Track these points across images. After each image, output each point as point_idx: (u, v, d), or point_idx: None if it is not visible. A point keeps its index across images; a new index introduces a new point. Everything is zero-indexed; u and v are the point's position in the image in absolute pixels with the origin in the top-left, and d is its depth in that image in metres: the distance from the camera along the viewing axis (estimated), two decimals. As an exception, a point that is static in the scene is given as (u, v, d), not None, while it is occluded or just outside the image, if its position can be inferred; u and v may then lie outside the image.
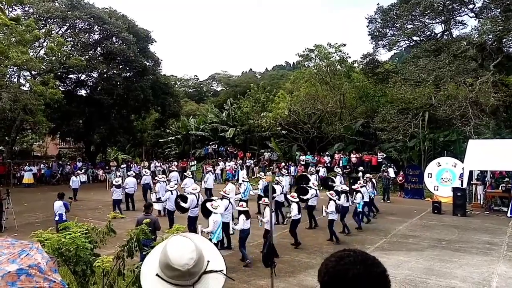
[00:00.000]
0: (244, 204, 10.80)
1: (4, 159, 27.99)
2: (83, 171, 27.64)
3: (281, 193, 15.04)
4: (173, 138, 39.42)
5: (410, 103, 22.77)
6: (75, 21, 29.02)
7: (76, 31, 29.83)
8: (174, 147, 39.78)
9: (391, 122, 22.74)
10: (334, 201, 12.00)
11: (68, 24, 29.40)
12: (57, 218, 11.40)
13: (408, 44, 29.35)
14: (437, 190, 19.32)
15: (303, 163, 25.65)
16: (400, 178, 21.16)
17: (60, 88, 26.07)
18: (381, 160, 23.50)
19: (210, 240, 8.55)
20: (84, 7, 29.43)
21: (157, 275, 1.67)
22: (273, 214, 11.28)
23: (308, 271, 8.95)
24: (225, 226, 10.56)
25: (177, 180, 18.54)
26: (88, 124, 31.87)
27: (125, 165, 27.85)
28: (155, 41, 34.44)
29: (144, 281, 1.74)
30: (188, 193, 12.62)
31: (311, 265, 9.38)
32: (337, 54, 29.24)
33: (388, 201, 19.34)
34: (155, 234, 8.19)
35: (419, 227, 13.80)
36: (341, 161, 24.78)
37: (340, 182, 17.43)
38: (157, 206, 14.83)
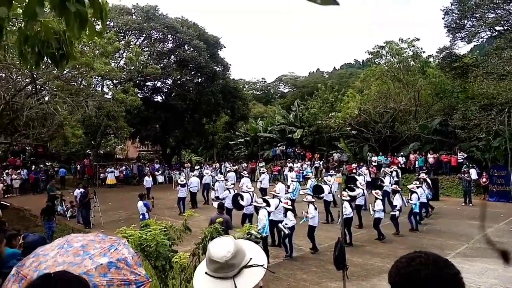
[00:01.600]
0: (289, 202, 11.51)
1: (91, 162, 30.60)
2: (160, 172, 29.34)
3: (329, 193, 15.37)
4: (242, 140, 40.26)
5: (493, 99, 20.95)
6: (151, 31, 30.96)
7: (152, 41, 31.79)
8: (243, 148, 40.61)
9: (472, 119, 21.10)
10: (381, 200, 12.18)
11: (144, 35, 31.44)
12: (141, 217, 12.24)
13: (490, 35, 27.01)
14: (528, 192, 17.61)
15: (375, 164, 24.73)
16: (484, 179, 19.57)
17: (138, 95, 27.84)
18: (461, 160, 21.90)
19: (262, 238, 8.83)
20: (159, 18, 31.30)
21: (205, 273, 1.85)
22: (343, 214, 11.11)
23: (382, 275, 8.63)
24: (275, 224, 10.91)
25: (234, 180, 19.81)
26: (164, 128, 33.71)
27: (198, 167, 29.03)
28: (224, 47, 35.56)
29: (195, 278, 1.93)
30: (243, 192, 13.48)
31: (385, 269, 9.03)
32: (410, 49, 27.87)
33: (470, 205, 18.00)
34: (227, 233, 8.44)
35: (506, 232, 12.65)
36: (417, 162, 23.54)
37: (390, 183, 16.84)
38: (215, 205, 15.52)
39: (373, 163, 24.89)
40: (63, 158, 34.51)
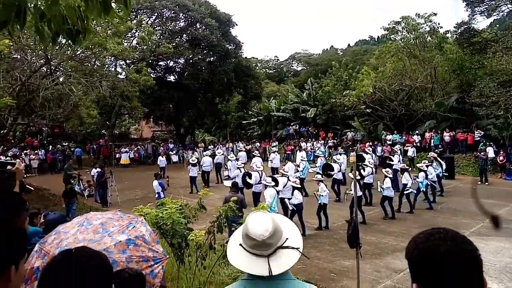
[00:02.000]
0: (298, 181, 11.65)
1: (107, 142, 31.02)
2: (174, 152, 29.63)
3: (338, 171, 15.46)
4: (255, 119, 40.19)
5: (513, 75, 20.40)
6: (162, 10, 30.73)
7: (164, 20, 31.56)
8: (256, 128, 40.58)
9: (491, 96, 20.58)
10: (390, 178, 12.17)
11: (156, 14, 31.22)
12: (156, 196, 12.47)
13: (511, 8, 26.03)
14: (546, 171, 17.29)
15: (390, 142, 24.49)
16: (501, 158, 19.26)
17: (151, 75, 27.81)
18: (478, 138, 21.53)
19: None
20: (170, -4, 30.96)
21: (240, 244, 1.87)
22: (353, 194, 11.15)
23: (396, 254, 8.68)
24: (283, 201, 11.14)
25: (245, 159, 20.25)
26: (178, 108, 33.79)
27: (212, 146, 29.21)
28: (236, 25, 35.00)
29: (229, 249, 1.95)
30: (252, 171, 13.68)
31: (399, 248, 9.07)
32: (427, 25, 27.13)
33: (486, 183, 17.79)
34: (241, 211, 8.53)
35: (523, 211, 12.53)
36: (432, 140, 23.23)
37: (398, 161, 16.76)
38: (227, 183, 15.67)
39: (388, 142, 24.65)
40: (79, 138, 35.01)
